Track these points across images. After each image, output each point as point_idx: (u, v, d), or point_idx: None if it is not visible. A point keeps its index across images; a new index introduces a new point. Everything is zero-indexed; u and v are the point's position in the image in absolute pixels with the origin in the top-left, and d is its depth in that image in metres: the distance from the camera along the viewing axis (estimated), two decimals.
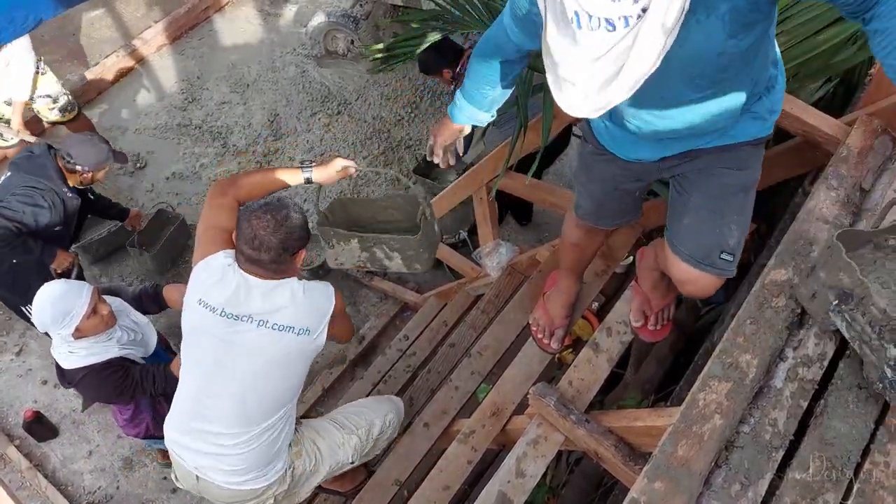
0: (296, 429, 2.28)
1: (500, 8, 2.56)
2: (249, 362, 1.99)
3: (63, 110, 4.22)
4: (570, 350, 3.16)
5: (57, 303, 2.33)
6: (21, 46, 3.83)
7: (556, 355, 2.90)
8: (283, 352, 2.00)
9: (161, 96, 5.44)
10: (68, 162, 3.22)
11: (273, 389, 2.05)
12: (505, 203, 4.07)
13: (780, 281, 1.55)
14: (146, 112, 5.32)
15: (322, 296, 2.06)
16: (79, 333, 2.37)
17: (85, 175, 3.28)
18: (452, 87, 3.81)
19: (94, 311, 2.38)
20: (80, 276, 3.71)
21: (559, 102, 1.24)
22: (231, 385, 2.01)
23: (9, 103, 4.05)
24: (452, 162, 2.10)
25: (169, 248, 4.36)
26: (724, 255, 1.69)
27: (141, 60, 5.63)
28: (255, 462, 2.09)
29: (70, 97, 4.30)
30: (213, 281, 1.98)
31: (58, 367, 2.52)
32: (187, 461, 2.14)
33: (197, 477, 2.16)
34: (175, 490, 3.69)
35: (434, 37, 3.06)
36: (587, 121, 1.86)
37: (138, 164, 4.96)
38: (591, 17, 1.07)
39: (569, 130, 3.77)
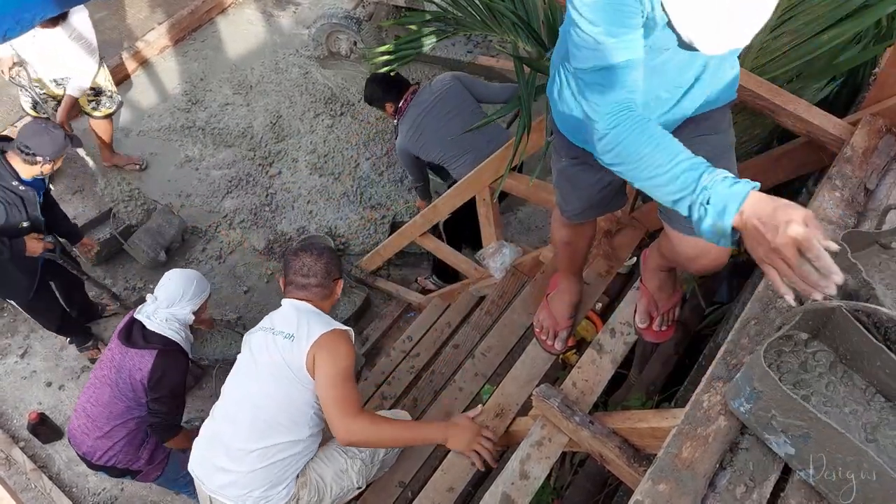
0: None
1: (500, 9, 2.56)
2: (262, 366, 2.19)
3: (102, 105, 4.28)
4: (574, 351, 3.16)
5: (200, 281, 2.91)
6: (84, 22, 3.82)
7: (560, 356, 2.90)
8: (276, 355, 2.15)
9: (164, 98, 5.45)
10: (27, 154, 3.09)
11: (278, 401, 2.16)
12: (458, 235, 4.03)
13: None
14: (149, 114, 5.33)
15: (321, 322, 2.21)
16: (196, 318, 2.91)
17: (45, 165, 3.15)
18: (396, 120, 3.89)
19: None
20: (64, 254, 3.63)
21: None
22: (254, 387, 2.20)
23: (58, 82, 4.05)
24: None
25: (165, 246, 4.40)
26: None
27: (144, 62, 5.64)
28: (261, 480, 2.15)
29: (115, 95, 4.39)
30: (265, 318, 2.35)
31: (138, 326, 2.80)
32: (206, 483, 2.24)
33: (210, 500, 2.24)
34: (179, 493, 3.69)
35: (436, 38, 3.05)
36: (560, 137, 1.81)
37: (141, 166, 4.97)
38: None
39: None
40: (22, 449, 3.80)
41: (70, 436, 2.84)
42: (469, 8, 2.77)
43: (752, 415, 1.22)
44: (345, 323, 4.08)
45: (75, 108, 4.20)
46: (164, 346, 2.74)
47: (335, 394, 2.09)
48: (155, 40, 5.67)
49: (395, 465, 2.61)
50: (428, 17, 3.14)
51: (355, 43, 5.29)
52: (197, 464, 2.28)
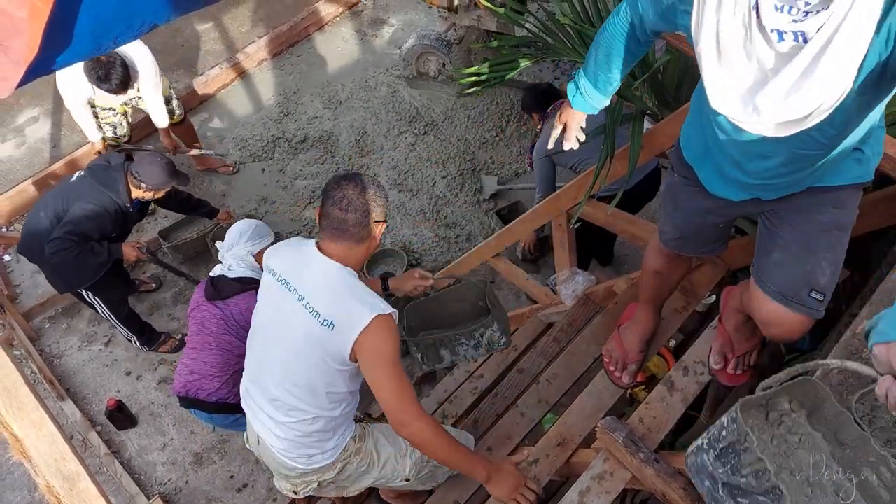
0: (364, 427, 2.30)
1: (591, 35, 2.55)
2: (289, 336, 2.02)
3: (171, 113, 4.46)
4: (643, 387, 3.09)
5: (260, 227, 3.05)
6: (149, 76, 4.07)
7: (628, 391, 2.83)
8: (315, 343, 1.98)
9: (258, 108, 5.66)
10: (136, 178, 3.48)
11: (305, 372, 2.03)
12: (586, 247, 4.01)
13: None
14: (243, 122, 5.55)
15: (364, 304, 1.94)
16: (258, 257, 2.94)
17: (147, 192, 3.54)
18: (539, 127, 3.89)
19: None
20: (154, 259, 4.03)
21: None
22: (280, 353, 2.07)
23: (126, 103, 4.27)
24: (582, 138, 2.05)
25: None
26: (813, 294, 1.61)
27: (242, 73, 5.89)
28: (296, 443, 2.12)
29: (179, 102, 4.57)
30: (289, 249, 2.13)
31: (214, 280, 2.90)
32: (253, 421, 2.23)
33: (258, 438, 2.24)
34: (240, 489, 3.78)
35: (524, 63, 3.07)
36: (677, 149, 1.83)
37: (233, 169, 5.18)
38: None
39: (658, 176, 3.67)
40: (98, 433, 3.99)
41: (177, 392, 2.91)
42: (560, 34, 2.78)
43: None
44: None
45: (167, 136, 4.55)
46: (252, 284, 2.81)
47: (391, 387, 1.94)
48: (254, 53, 5.91)
49: (451, 484, 2.59)
50: (518, 41, 3.17)
51: (444, 65, 5.37)
52: (243, 401, 2.26)
